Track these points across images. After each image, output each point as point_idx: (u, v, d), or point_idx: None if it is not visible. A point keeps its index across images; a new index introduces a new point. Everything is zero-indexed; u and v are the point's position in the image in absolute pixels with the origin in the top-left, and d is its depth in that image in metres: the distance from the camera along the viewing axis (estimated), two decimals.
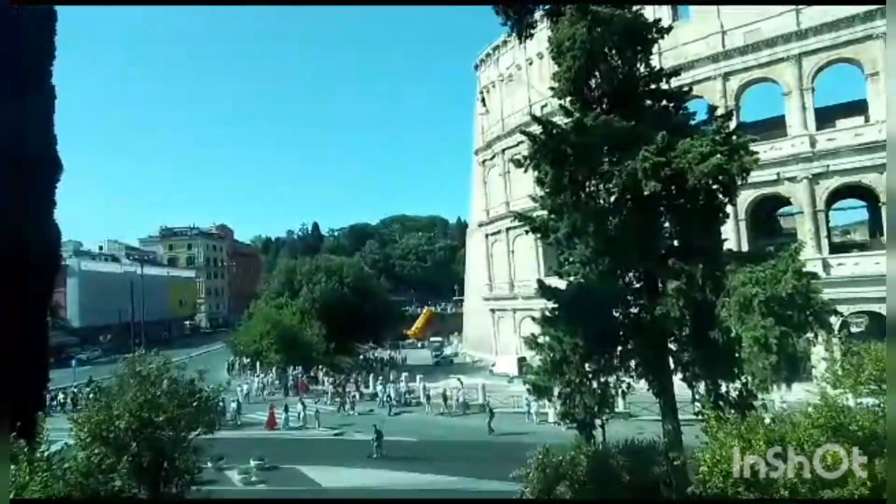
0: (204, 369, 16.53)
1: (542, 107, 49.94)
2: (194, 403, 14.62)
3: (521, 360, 52.34)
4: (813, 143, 38.89)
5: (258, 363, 58.45)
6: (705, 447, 10.68)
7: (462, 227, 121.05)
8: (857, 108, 39.88)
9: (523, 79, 57.90)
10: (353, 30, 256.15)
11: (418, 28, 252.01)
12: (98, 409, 13.75)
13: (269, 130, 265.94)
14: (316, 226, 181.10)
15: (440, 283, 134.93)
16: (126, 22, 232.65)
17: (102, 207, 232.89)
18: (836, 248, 42.09)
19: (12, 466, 9.98)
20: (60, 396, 44.70)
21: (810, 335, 13.59)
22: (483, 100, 65.20)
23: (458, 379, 47.03)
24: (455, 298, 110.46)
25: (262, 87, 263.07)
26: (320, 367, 56.77)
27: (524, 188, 53.48)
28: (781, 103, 40.87)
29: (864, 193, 41.27)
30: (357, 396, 45.75)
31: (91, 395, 16.66)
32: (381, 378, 50.82)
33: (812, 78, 39.54)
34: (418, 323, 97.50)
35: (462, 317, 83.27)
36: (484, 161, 65.49)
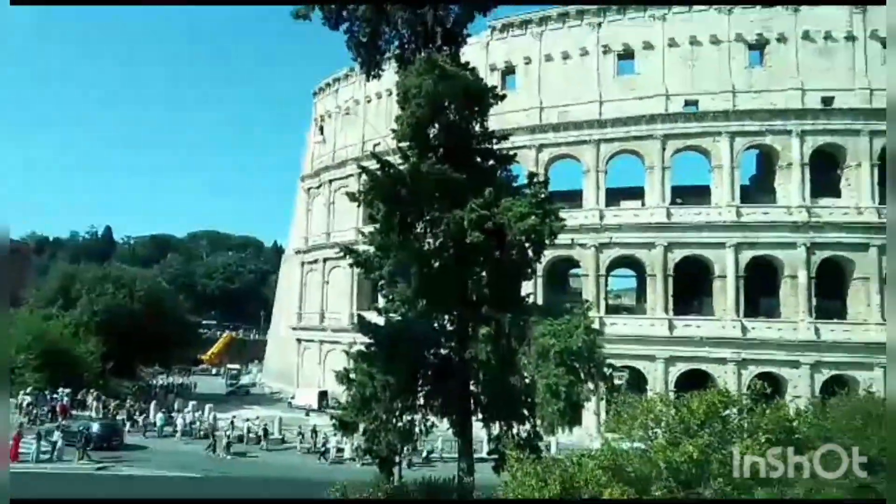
0: None
1: (376, 145, 50.85)
2: None
3: (322, 394, 51.21)
4: (601, 218, 44.90)
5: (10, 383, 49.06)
6: (506, 486, 11.40)
7: (278, 251, 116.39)
8: (638, 193, 47.08)
9: (360, 114, 58.67)
10: (189, 30, 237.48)
11: (257, 44, 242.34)
12: None
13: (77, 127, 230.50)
14: (109, 230, 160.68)
15: (247, 307, 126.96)
16: None
17: None
18: (610, 310, 48.46)
19: None
20: None
21: (591, 385, 15.48)
22: (321, 128, 64.67)
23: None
24: (262, 326, 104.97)
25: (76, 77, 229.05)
26: (91, 390, 49.46)
27: (348, 221, 53.62)
28: (580, 178, 46.71)
29: (635, 265, 48.38)
30: (128, 426, 40.65)
31: None
32: (163, 406, 45.88)
33: (606, 161, 45.96)
34: (215, 348, 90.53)
35: (266, 344, 79.29)
36: (310, 189, 64.38)
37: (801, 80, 42.67)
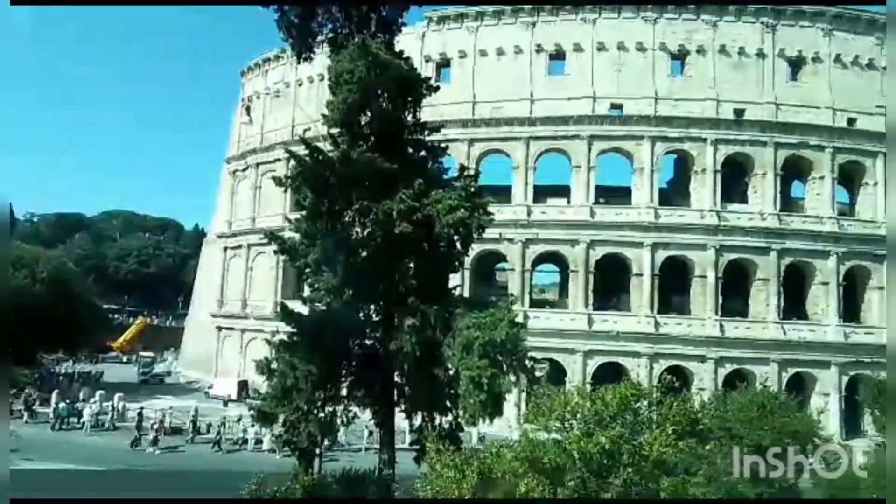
0: None
1: (306, 130, 49.58)
2: None
3: (243, 384, 49.68)
4: (529, 214, 45.92)
5: None
6: (425, 478, 11.48)
7: (199, 235, 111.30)
8: (564, 191, 48.46)
9: (291, 97, 56.98)
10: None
11: (182, 16, 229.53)
12: None
13: None
14: (9, 207, 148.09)
15: (164, 292, 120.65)
16: None
17: None
18: (534, 304, 49.73)
19: None
20: None
21: (513, 377, 15.83)
22: (248, 109, 62.24)
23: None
24: (179, 312, 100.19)
25: None
26: None
27: (275, 207, 52.09)
28: (510, 174, 47.51)
29: (559, 261, 49.85)
30: (25, 416, 37.91)
31: None
32: (67, 396, 43.00)
33: (535, 159, 46.99)
34: (127, 334, 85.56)
35: (183, 332, 75.88)
36: (235, 171, 61.99)
37: (717, 91, 45.23)
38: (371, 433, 22.86)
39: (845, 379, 42.30)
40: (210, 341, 59.95)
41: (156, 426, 34.97)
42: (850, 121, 45.55)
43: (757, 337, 42.70)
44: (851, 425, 40.45)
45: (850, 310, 44.60)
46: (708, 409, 13.79)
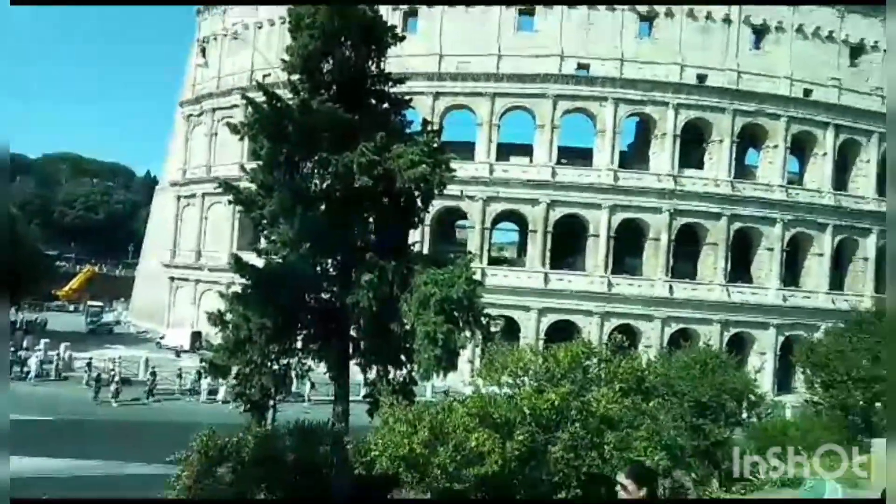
0: None
1: (265, 75, 47.61)
2: None
3: (196, 335, 49.01)
4: (491, 171, 45.82)
5: None
6: (377, 431, 11.65)
7: (151, 182, 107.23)
8: (527, 150, 48.43)
9: (249, 40, 54.43)
10: None
11: None
12: None
13: None
14: None
15: (113, 240, 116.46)
16: None
17: None
18: (492, 262, 50.23)
19: None
20: None
21: (468, 333, 16.04)
22: (204, 50, 59.18)
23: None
24: (130, 261, 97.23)
25: None
26: None
27: (231, 155, 50.33)
28: (474, 130, 47.09)
29: (519, 220, 50.25)
30: None
31: None
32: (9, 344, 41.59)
33: (500, 116, 46.61)
34: (74, 283, 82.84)
35: (134, 281, 73.91)
36: (189, 116, 59.42)
37: (682, 55, 45.43)
38: (313, 386, 22.85)
39: (781, 339, 44.67)
40: (162, 291, 58.63)
41: (115, 377, 34.24)
42: (806, 91, 46.64)
43: (703, 298, 44.41)
44: (783, 383, 42.94)
45: (791, 275, 46.77)
46: (653, 367, 14.34)
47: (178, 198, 58.92)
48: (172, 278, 57.61)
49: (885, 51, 45.43)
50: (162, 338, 51.91)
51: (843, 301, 43.15)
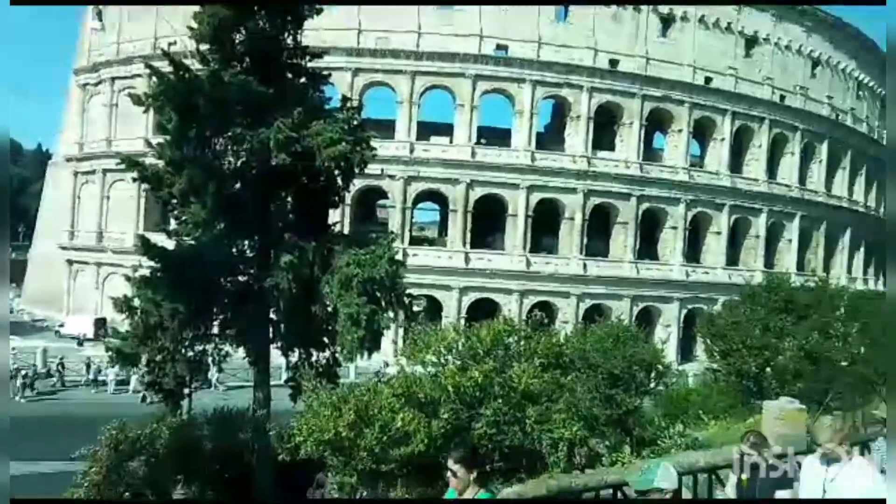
0: None
1: (171, 44, 44.56)
2: None
3: (100, 322, 45.96)
4: (412, 150, 45.59)
5: None
6: (301, 416, 11.43)
7: (43, 156, 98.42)
8: (447, 130, 48.51)
9: (152, 5, 50.64)
10: None
11: None
12: None
13: None
14: None
15: None
16: None
17: None
18: (414, 241, 50.27)
19: None
20: None
21: (391, 313, 16.01)
22: (100, 14, 54.39)
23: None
24: (19, 243, 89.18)
25: None
26: None
27: (135, 129, 46.96)
28: (395, 108, 46.54)
29: (440, 199, 50.47)
30: None
31: None
32: None
33: (420, 94, 46.30)
34: None
35: (25, 265, 68.01)
36: (86, 85, 54.82)
37: (595, 40, 46.84)
38: (221, 370, 22.07)
39: (684, 312, 47.86)
40: (60, 276, 54.41)
41: (27, 372, 31.54)
42: (707, 79, 49.56)
43: (614, 275, 46.67)
44: (686, 353, 46.11)
45: (693, 252, 50.07)
46: (571, 342, 14.95)
47: (76, 174, 54.53)
48: (71, 262, 53.55)
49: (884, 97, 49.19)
50: (61, 326, 48.32)
51: (738, 276, 46.63)
